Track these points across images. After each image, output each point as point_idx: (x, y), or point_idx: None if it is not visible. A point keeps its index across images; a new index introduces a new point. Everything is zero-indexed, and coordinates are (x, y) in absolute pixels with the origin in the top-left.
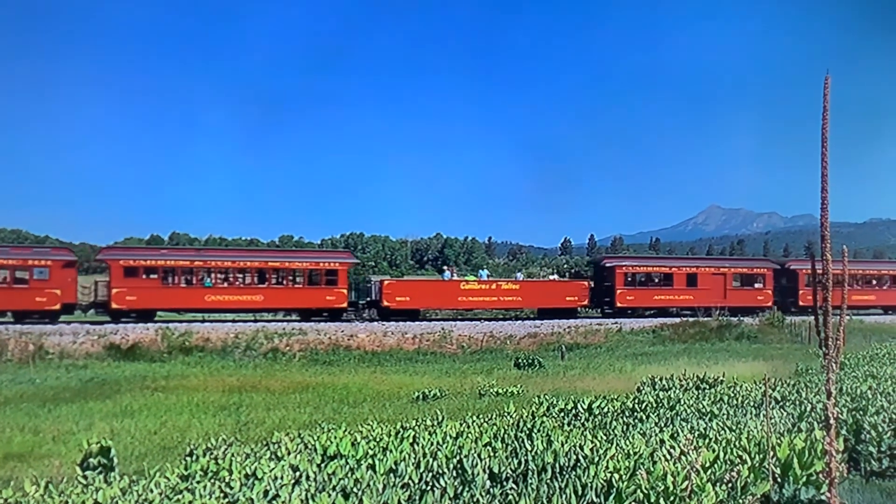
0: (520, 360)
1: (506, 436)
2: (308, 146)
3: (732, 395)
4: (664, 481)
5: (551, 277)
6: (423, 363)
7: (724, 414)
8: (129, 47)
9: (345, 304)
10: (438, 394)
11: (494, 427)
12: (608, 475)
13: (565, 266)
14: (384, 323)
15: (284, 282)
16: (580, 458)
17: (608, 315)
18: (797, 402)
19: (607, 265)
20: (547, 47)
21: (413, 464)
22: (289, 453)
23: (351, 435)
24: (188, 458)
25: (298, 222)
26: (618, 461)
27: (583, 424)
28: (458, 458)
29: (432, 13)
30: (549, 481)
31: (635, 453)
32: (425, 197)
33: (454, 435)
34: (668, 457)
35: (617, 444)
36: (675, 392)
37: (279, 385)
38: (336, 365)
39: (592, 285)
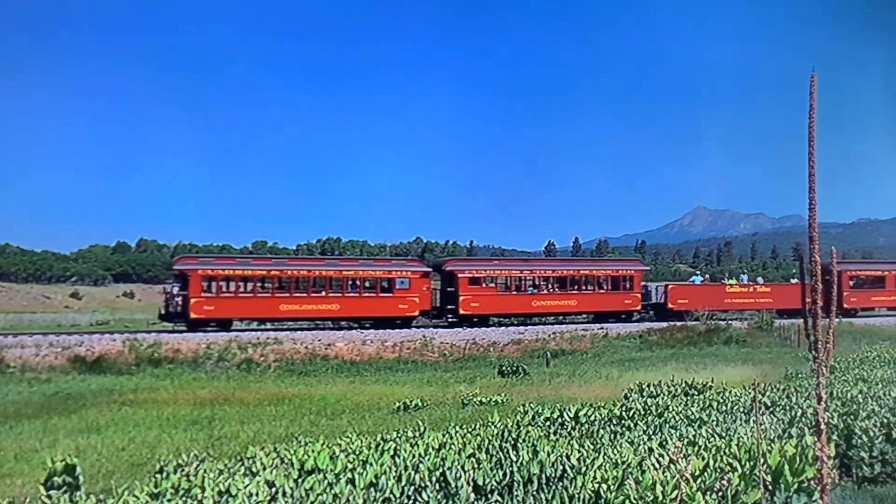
0: (504, 368)
1: (490, 446)
2: (280, 148)
3: (722, 400)
4: (653, 491)
5: (793, 281)
6: (404, 372)
7: (713, 420)
8: (87, 42)
9: (639, 307)
10: (420, 404)
11: (478, 437)
12: (596, 485)
13: None
14: (363, 332)
15: (591, 287)
16: (567, 468)
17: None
18: (787, 408)
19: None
20: (530, 46)
21: (394, 477)
22: (264, 468)
23: (329, 448)
24: (158, 476)
25: (272, 227)
26: (605, 471)
27: (569, 433)
28: (440, 470)
29: (419, 7)
30: (535, 493)
31: (623, 462)
32: (404, 200)
33: (436, 446)
34: (657, 465)
35: (604, 454)
36: (663, 398)
37: (253, 397)
38: (313, 375)
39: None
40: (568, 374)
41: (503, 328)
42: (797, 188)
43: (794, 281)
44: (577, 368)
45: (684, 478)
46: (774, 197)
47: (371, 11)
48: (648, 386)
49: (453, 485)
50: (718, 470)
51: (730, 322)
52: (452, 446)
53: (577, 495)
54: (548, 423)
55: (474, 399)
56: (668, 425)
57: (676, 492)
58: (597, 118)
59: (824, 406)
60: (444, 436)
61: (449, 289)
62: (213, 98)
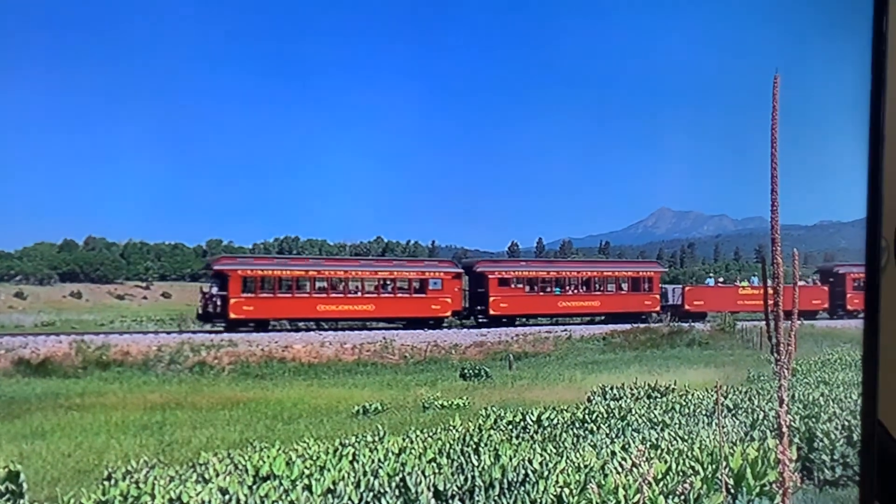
0: (466, 371)
1: (451, 451)
2: (233, 143)
3: (684, 403)
4: (615, 495)
5: (801, 283)
6: (364, 375)
7: (675, 423)
8: (29, 31)
9: (658, 309)
10: (380, 407)
11: (439, 442)
12: (558, 490)
13: None
14: (322, 333)
15: (613, 288)
16: (529, 472)
17: (840, 316)
18: (749, 410)
19: (840, 272)
20: (491, 43)
21: (353, 483)
22: (217, 475)
23: (285, 454)
24: (106, 483)
25: (226, 226)
26: (568, 475)
27: (532, 437)
28: (400, 475)
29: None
30: (496, 498)
31: (586, 466)
32: (363, 198)
33: (396, 451)
34: (620, 469)
35: (567, 458)
36: (626, 402)
37: (207, 401)
38: (269, 378)
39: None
40: (531, 377)
41: (465, 329)
42: (759, 190)
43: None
44: (541, 371)
45: (647, 481)
46: (737, 199)
47: (326, 7)
48: (612, 388)
49: (413, 490)
50: (681, 473)
51: (692, 324)
52: (413, 451)
53: (539, 500)
54: (510, 426)
55: (435, 402)
56: (630, 428)
57: (639, 496)
58: (559, 117)
59: (786, 409)
60: (404, 440)
61: (479, 290)
62: (163, 92)
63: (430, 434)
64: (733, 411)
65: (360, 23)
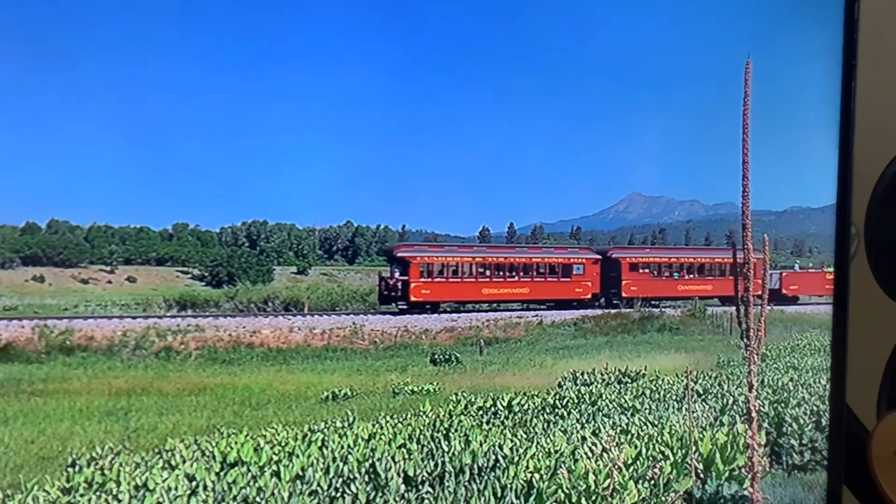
0: (436, 356)
1: (421, 436)
2: (199, 125)
3: (654, 388)
4: (585, 480)
5: None
6: (333, 360)
7: (646, 408)
8: None
9: (758, 293)
10: (349, 393)
11: (409, 427)
12: (528, 475)
13: None
14: (290, 318)
15: (721, 274)
16: (499, 458)
17: None
18: (719, 395)
19: None
20: (462, 22)
21: (322, 469)
22: (184, 461)
23: (253, 440)
24: (70, 470)
25: (193, 209)
26: (538, 460)
27: (502, 423)
28: (370, 461)
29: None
30: (466, 483)
31: (556, 452)
32: (333, 181)
33: (366, 437)
34: (590, 454)
35: (537, 443)
36: (596, 387)
37: (173, 387)
38: (237, 364)
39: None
40: (501, 363)
41: (435, 315)
42: (730, 176)
43: None
44: (511, 356)
45: (617, 466)
46: (708, 184)
47: None
48: (582, 374)
49: (383, 476)
50: (651, 458)
51: (663, 309)
52: (382, 437)
53: (509, 485)
54: (480, 412)
55: (405, 388)
56: (601, 414)
57: (609, 480)
58: (530, 102)
59: (755, 394)
60: (373, 426)
61: (611, 274)
62: (127, 74)
63: (400, 420)
64: (703, 396)
65: (332, 2)
